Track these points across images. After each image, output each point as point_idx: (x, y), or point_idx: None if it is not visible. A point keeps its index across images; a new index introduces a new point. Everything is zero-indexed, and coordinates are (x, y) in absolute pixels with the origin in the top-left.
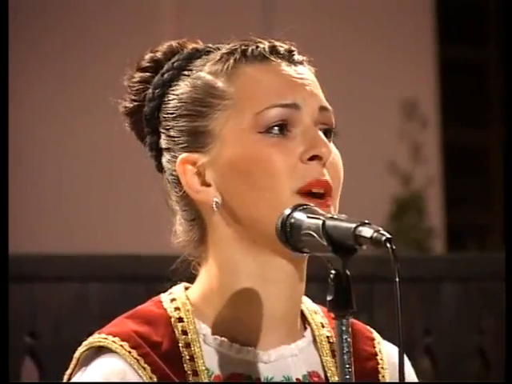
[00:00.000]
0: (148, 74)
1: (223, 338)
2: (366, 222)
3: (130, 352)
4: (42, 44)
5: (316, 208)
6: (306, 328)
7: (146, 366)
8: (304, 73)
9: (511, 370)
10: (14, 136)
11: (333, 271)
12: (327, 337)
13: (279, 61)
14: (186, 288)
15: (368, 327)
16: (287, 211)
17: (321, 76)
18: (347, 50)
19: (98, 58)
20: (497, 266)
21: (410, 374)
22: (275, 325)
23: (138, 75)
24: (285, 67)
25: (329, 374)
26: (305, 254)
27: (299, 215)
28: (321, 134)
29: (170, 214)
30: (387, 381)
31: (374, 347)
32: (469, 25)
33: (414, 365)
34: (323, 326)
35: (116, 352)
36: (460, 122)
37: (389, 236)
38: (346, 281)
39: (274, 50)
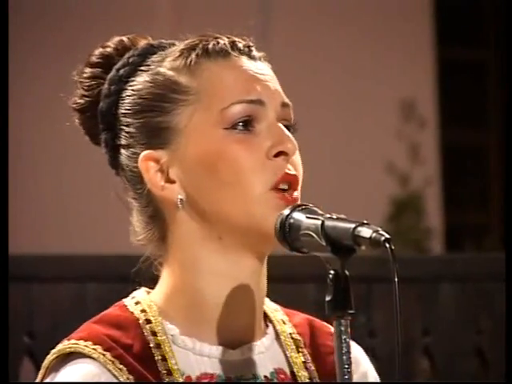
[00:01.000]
0: (99, 69)
1: (192, 338)
2: (365, 222)
3: (104, 355)
4: (43, 44)
5: (315, 208)
6: (267, 325)
7: (121, 367)
8: (264, 68)
9: (511, 369)
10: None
11: (332, 271)
12: (290, 333)
13: (240, 56)
14: (148, 292)
15: (325, 323)
16: (286, 211)
17: (320, 76)
18: (346, 51)
19: None
20: (495, 267)
21: (371, 370)
22: (242, 323)
23: (89, 71)
24: (246, 63)
25: (295, 369)
26: (267, 251)
27: (298, 215)
28: (284, 128)
29: (127, 211)
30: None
31: None
32: (467, 26)
33: (412, 365)
34: (284, 323)
35: (89, 356)
36: (458, 122)
37: (388, 236)
38: (345, 281)
39: (234, 46)
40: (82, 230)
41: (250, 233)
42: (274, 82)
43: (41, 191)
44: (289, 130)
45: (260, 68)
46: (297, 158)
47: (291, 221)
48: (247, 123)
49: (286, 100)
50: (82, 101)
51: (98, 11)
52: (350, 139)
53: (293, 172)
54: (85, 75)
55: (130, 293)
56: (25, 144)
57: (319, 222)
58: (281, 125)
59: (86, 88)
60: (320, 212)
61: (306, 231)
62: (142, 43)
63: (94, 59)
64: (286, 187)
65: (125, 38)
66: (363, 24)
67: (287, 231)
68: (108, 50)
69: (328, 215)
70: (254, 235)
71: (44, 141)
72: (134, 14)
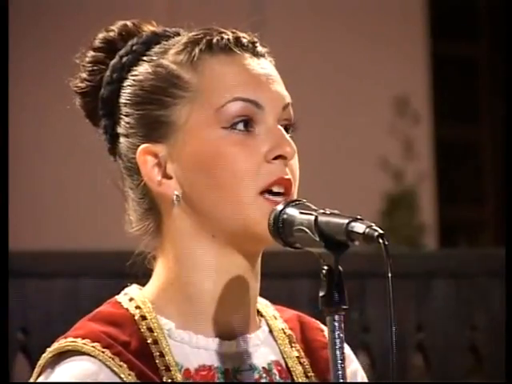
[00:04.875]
0: (101, 53)
1: (187, 331)
2: (359, 217)
3: (103, 352)
4: (43, 44)
5: (309, 204)
6: (260, 320)
7: (122, 363)
8: (267, 67)
9: (511, 368)
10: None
11: (325, 267)
12: (282, 328)
13: (243, 53)
14: (140, 288)
15: (313, 319)
16: (280, 207)
17: (313, 73)
18: (339, 47)
19: None
20: (489, 262)
21: (360, 369)
22: (236, 316)
23: (91, 54)
24: (249, 60)
25: (289, 364)
26: (260, 250)
27: (292, 211)
28: (283, 131)
29: (123, 199)
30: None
31: (325, 337)
32: (461, 20)
33: (406, 361)
34: (276, 318)
35: (88, 353)
36: (452, 118)
37: (381, 232)
38: (339, 277)
39: (238, 42)
40: (76, 226)
41: (241, 234)
42: (276, 83)
43: (35, 188)
44: (288, 129)
45: (263, 67)
46: (295, 162)
47: (284, 216)
48: (247, 123)
49: (288, 101)
50: (83, 84)
51: (99, 11)
52: (344, 135)
53: (288, 176)
54: (87, 59)
55: (122, 289)
56: (23, 142)
57: (312, 218)
58: (281, 127)
59: (87, 72)
60: (313, 207)
61: (300, 227)
62: (147, 29)
63: (97, 43)
64: (281, 191)
65: (129, 23)
66: (356, 19)
67: (281, 226)
68: (111, 34)
69: (321, 210)
70: (245, 237)
71: (42, 139)
72: (134, 14)
